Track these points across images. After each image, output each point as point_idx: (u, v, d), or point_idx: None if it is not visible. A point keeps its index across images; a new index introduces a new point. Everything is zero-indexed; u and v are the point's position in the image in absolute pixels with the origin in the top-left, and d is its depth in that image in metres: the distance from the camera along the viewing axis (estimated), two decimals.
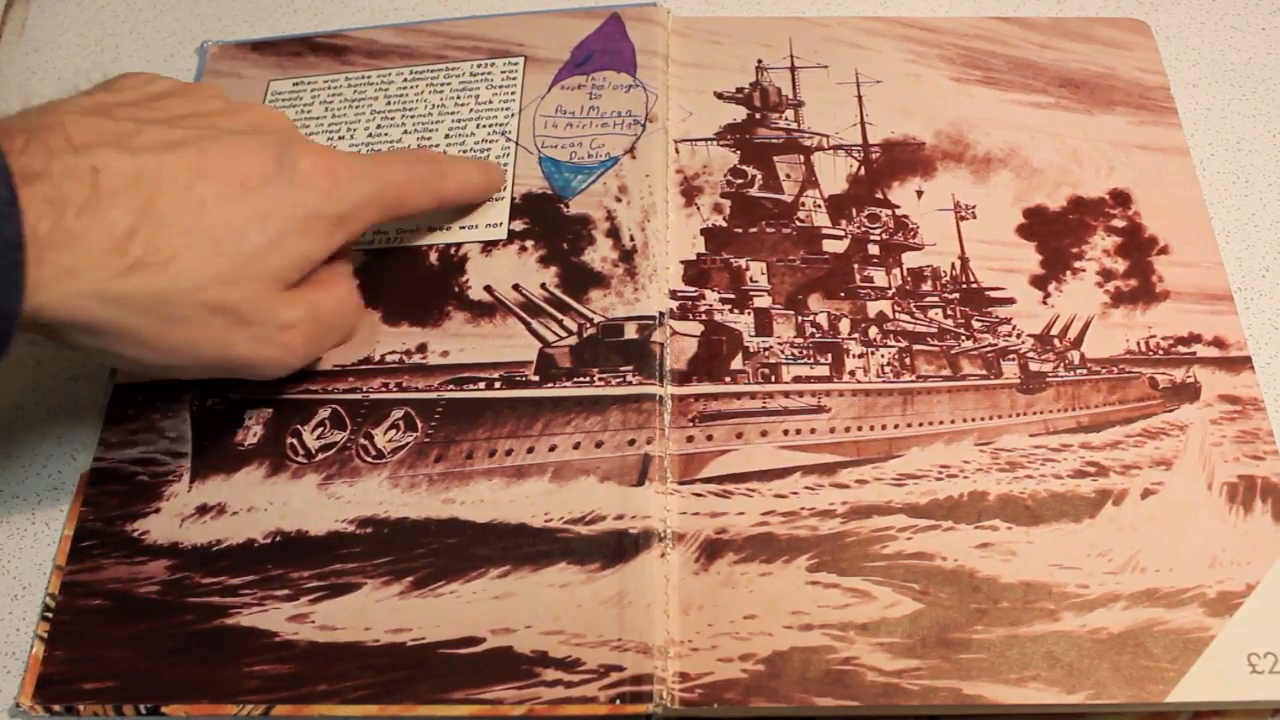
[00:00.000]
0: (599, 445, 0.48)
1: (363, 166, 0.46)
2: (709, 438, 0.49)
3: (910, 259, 0.54)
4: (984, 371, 0.51)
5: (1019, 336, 0.52)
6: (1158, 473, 0.48)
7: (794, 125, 0.59)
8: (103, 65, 0.64)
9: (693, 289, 0.53)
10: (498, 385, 0.50)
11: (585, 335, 0.51)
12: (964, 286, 0.53)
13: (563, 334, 0.51)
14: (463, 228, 0.55)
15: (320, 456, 0.49)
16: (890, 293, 0.53)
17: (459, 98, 0.59)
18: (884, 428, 0.50)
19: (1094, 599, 0.44)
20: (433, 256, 0.54)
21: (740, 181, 0.57)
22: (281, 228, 0.42)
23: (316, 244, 0.44)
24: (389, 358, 0.51)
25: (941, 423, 0.50)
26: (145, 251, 0.39)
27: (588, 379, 0.50)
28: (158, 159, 0.41)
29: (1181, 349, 0.51)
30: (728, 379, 0.51)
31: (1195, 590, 0.45)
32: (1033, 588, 0.45)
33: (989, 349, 0.52)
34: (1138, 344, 0.51)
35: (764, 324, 0.52)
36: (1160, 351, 0.51)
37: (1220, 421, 0.49)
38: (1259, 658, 0.43)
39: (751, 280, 0.54)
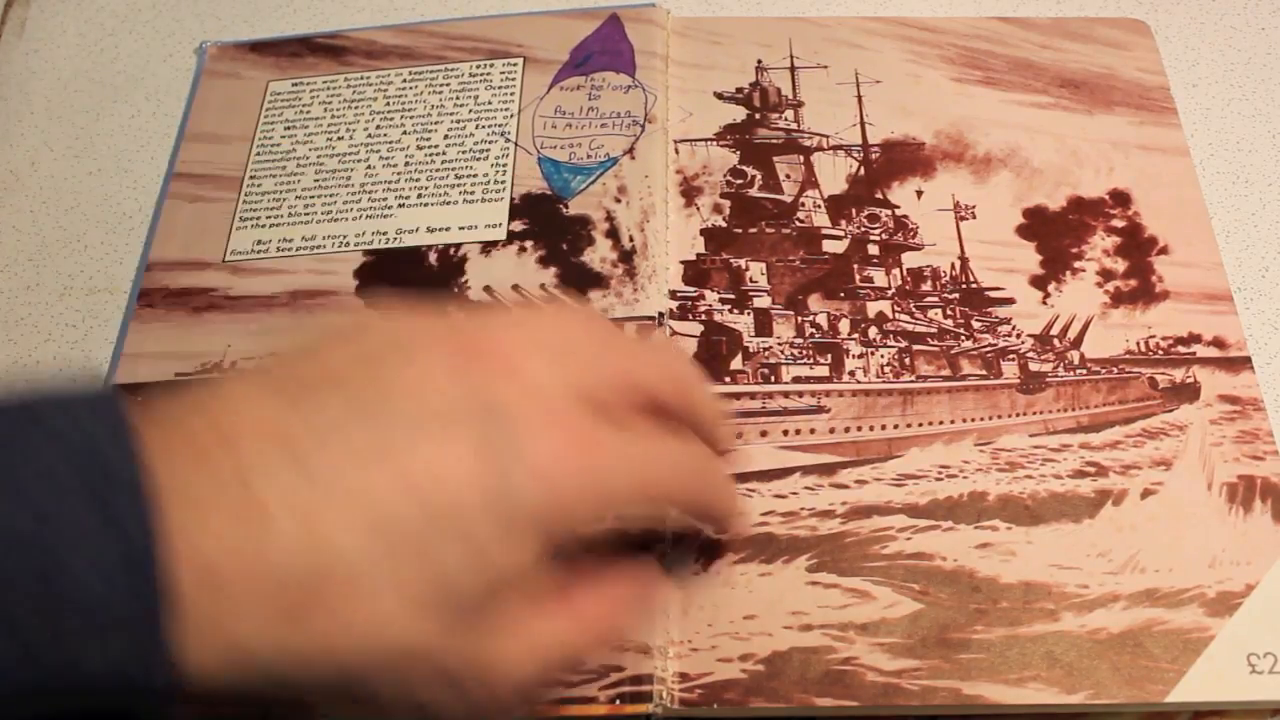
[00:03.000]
0: None
1: (614, 465, 0.34)
2: None
3: (910, 259, 0.54)
4: (984, 371, 0.51)
5: (1019, 336, 0.52)
6: (1157, 473, 0.48)
7: (794, 125, 0.59)
8: (103, 65, 0.64)
9: (692, 289, 0.53)
10: None
11: None
12: (964, 286, 0.53)
13: None
14: (462, 228, 0.55)
15: None
16: (890, 293, 0.53)
17: (458, 98, 0.59)
18: (884, 428, 0.50)
19: (1094, 599, 0.44)
20: (432, 257, 0.54)
21: (740, 182, 0.57)
22: (494, 555, 0.32)
23: (528, 556, 0.33)
24: None
25: (941, 423, 0.50)
26: (319, 610, 0.30)
27: None
28: (341, 479, 0.30)
29: (1181, 349, 0.51)
30: (727, 379, 0.50)
31: (1195, 590, 0.44)
32: (1032, 588, 0.45)
33: (989, 349, 0.52)
34: (1137, 344, 0.51)
35: (764, 324, 0.52)
36: (1160, 351, 0.51)
37: (1220, 422, 0.49)
38: (1259, 658, 0.43)
39: (751, 280, 0.54)
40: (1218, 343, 0.51)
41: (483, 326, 0.35)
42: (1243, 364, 0.51)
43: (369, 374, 0.33)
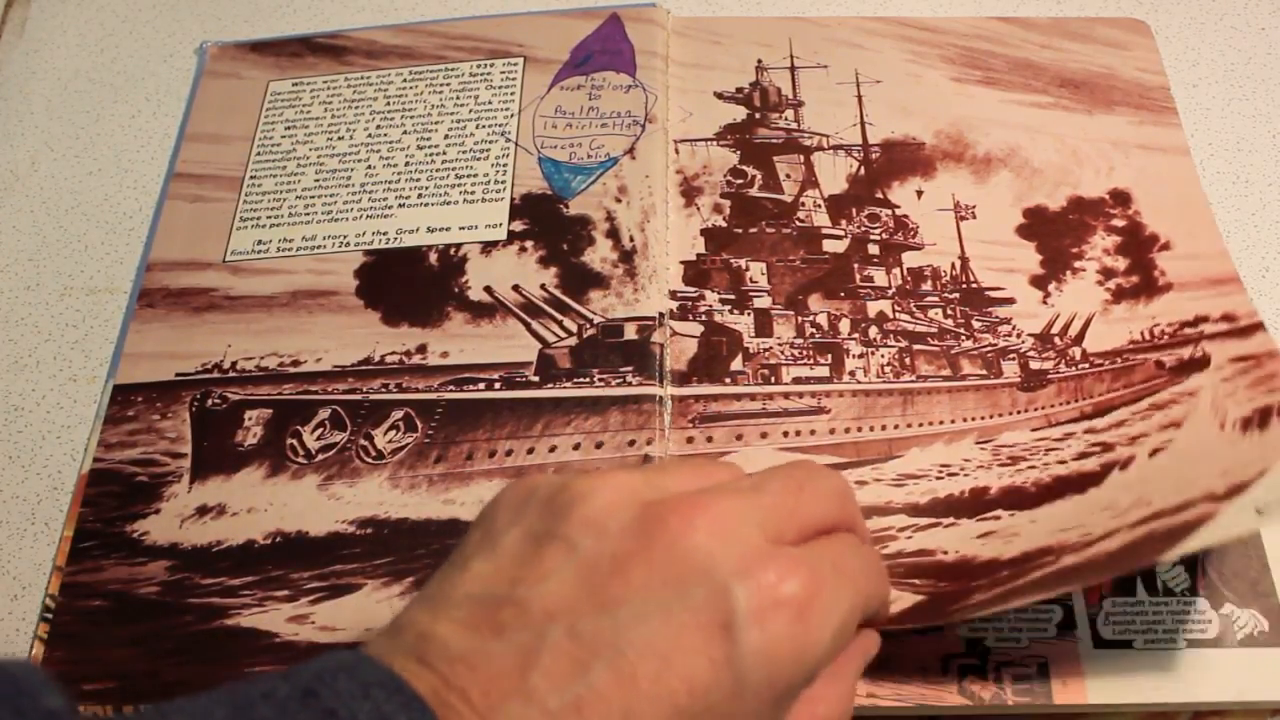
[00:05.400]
0: (599, 446, 0.48)
1: (835, 593, 0.33)
2: (709, 439, 0.49)
3: (910, 259, 0.54)
4: (984, 371, 0.51)
5: (1019, 336, 0.52)
6: (1168, 433, 0.47)
7: (794, 125, 0.59)
8: (103, 65, 0.64)
9: (693, 289, 0.53)
10: (498, 386, 0.50)
11: (585, 336, 0.51)
12: (964, 286, 0.53)
13: (562, 335, 0.51)
14: (463, 228, 0.55)
15: (320, 457, 0.49)
16: (890, 292, 0.53)
17: (459, 98, 0.59)
18: (884, 428, 0.50)
19: (1095, 539, 0.42)
20: (432, 257, 0.54)
21: (740, 181, 0.57)
22: None
23: (776, 712, 0.33)
24: (389, 358, 0.51)
25: (942, 423, 0.50)
26: None
27: (588, 380, 0.50)
28: (575, 703, 0.30)
29: (1189, 330, 0.50)
30: (728, 380, 0.50)
31: (1202, 495, 0.40)
32: (1032, 553, 0.43)
33: (989, 349, 0.52)
34: (1141, 334, 0.51)
35: (764, 325, 0.52)
36: (1165, 337, 0.51)
37: (1233, 378, 0.48)
38: (1264, 505, 0.38)
39: (751, 280, 0.54)
40: (1227, 318, 0.50)
41: (651, 481, 0.35)
42: (1254, 329, 0.49)
43: (565, 564, 0.32)
